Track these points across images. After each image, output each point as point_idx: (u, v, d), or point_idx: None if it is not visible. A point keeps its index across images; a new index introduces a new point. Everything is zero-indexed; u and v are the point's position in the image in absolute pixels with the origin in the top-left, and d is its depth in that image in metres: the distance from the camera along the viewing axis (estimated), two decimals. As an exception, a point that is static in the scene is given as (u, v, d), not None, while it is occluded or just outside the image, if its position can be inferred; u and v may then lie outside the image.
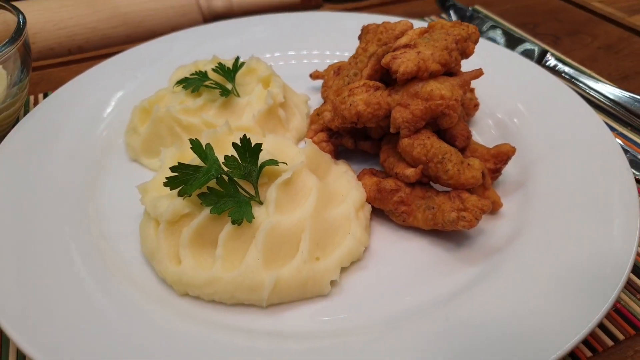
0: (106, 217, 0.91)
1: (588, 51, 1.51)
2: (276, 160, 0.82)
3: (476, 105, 1.08)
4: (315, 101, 1.19)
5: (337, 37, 1.35)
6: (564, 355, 0.74)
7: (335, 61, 1.17)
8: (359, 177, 0.93)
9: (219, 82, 1.04)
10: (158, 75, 1.20)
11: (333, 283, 0.80)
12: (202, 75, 1.04)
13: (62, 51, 1.46)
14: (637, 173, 1.03)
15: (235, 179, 0.80)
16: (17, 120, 1.08)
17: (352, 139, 1.00)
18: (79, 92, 1.15)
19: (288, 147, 0.90)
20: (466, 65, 0.97)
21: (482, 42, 1.28)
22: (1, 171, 0.93)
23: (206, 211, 0.77)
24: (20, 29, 1.04)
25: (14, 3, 1.14)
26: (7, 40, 1.00)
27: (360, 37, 1.06)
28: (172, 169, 0.78)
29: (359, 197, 0.87)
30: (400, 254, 0.86)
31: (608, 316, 0.81)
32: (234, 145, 0.81)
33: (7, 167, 0.94)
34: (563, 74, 1.31)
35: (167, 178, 0.78)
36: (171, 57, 1.26)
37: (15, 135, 1.00)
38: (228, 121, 0.92)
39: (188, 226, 0.78)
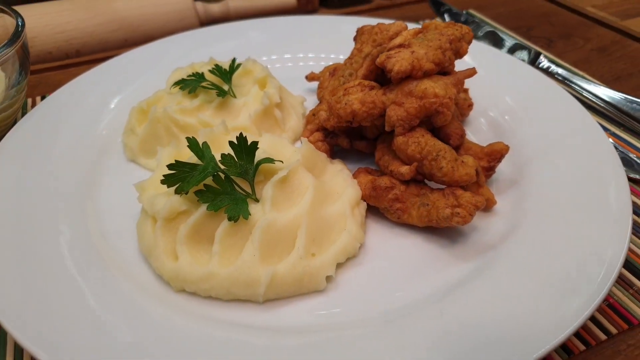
0: (104, 216, 0.92)
1: (581, 54, 1.53)
2: (272, 159, 0.83)
3: (470, 105, 1.09)
4: (311, 102, 1.20)
5: (333, 40, 1.36)
6: (556, 348, 0.76)
7: (331, 64, 1.19)
8: (355, 176, 0.94)
9: (215, 83, 1.06)
10: (155, 77, 1.21)
11: (329, 279, 0.81)
12: (198, 77, 1.05)
13: (60, 55, 1.47)
14: (628, 171, 1.04)
15: (232, 177, 0.81)
16: (15, 122, 1.09)
17: (348, 138, 1.01)
18: (76, 94, 1.16)
19: (284, 147, 0.91)
20: (460, 67, 0.98)
21: (476, 44, 1.30)
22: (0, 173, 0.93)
23: (203, 208, 0.78)
24: (18, 31, 1.05)
25: (13, 7, 1.15)
26: (5, 42, 1.02)
27: (355, 39, 1.07)
28: (169, 166, 0.79)
29: (355, 195, 0.88)
30: (395, 250, 0.87)
31: (601, 311, 0.82)
32: (231, 143, 0.82)
33: (4, 168, 0.94)
34: (556, 75, 1.33)
35: (164, 176, 0.79)
36: (168, 60, 1.27)
37: (13, 136, 1.01)
38: (225, 121, 0.93)
39: (185, 223, 0.79)
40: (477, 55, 1.18)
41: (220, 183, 0.80)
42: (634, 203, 0.97)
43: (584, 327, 0.80)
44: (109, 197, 0.96)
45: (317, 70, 1.23)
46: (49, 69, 1.43)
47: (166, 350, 0.68)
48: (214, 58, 1.15)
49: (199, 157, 0.81)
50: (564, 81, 1.32)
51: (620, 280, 0.87)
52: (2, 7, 1.13)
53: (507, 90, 1.18)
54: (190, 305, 0.77)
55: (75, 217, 0.89)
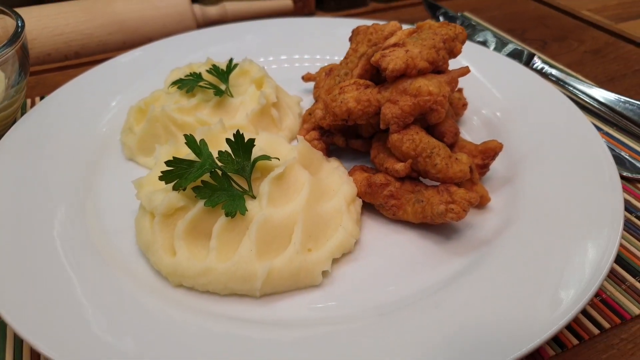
0: (102, 214, 0.93)
1: (575, 55, 1.55)
2: (269, 156, 0.84)
3: (464, 105, 1.11)
4: (308, 102, 1.22)
5: (329, 41, 1.38)
6: (550, 342, 0.77)
7: (327, 65, 1.20)
8: (350, 173, 0.95)
9: (213, 83, 1.07)
10: (153, 77, 1.23)
11: (325, 274, 0.82)
12: (196, 77, 1.07)
13: (58, 57, 1.48)
14: (620, 169, 1.05)
15: (229, 174, 0.82)
16: (14, 122, 1.10)
17: (343, 137, 1.02)
18: (75, 94, 1.17)
19: (280, 144, 0.92)
20: (454, 67, 0.99)
21: (471, 45, 1.31)
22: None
23: (200, 204, 0.79)
24: (18, 32, 1.06)
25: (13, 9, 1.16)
26: (5, 42, 1.03)
27: (351, 39, 1.09)
28: (167, 163, 0.80)
29: (350, 192, 0.89)
30: (391, 246, 0.88)
31: (594, 306, 0.83)
32: (228, 140, 0.83)
33: (4, 166, 0.95)
34: (550, 76, 1.35)
35: (162, 172, 0.80)
36: (166, 61, 1.28)
37: (12, 134, 1.02)
38: (222, 119, 0.94)
39: (183, 219, 0.80)
40: (471, 55, 1.20)
41: (217, 180, 0.81)
42: (625, 200, 0.98)
43: (577, 321, 0.80)
44: (107, 195, 0.97)
45: (314, 71, 1.24)
46: (48, 70, 1.44)
47: (164, 344, 0.69)
48: (212, 59, 1.17)
49: (197, 154, 0.82)
50: (557, 82, 1.33)
51: (613, 276, 0.88)
52: (3, 8, 1.14)
53: (501, 90, 1.20)
54: (187, 299, 0.78)
55: (73, 214, 0.90)
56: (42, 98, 1.30)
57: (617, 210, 0.85)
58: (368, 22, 1.39)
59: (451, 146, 0.94)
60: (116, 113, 1.15)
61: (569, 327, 0.80)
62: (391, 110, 0.86)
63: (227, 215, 0.78)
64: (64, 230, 0.86)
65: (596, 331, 0.80)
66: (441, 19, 1.66)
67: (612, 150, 1.10)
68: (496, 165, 0.99)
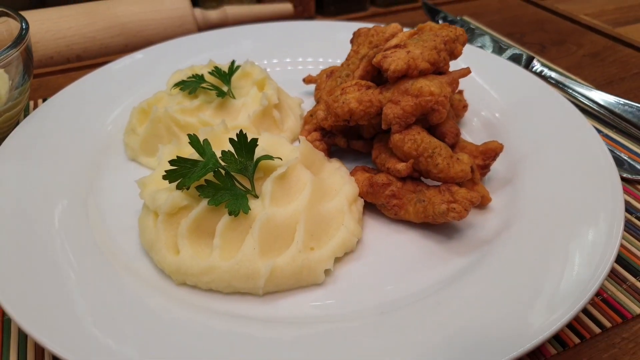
0: (105, 214, 0.93)
1: (574, 59, 1.56)
2: (271, 156, 0.85)
3: (465, 107, 1.12)
4: (309, 104, 1.22)
5: (330, 44, 1.39)
6: (552, 341, 0.77)
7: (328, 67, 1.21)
8: (352, 173, 0.96)
9: (215, 84, 1.08)
10: (155, 80, 1.24)
11: (327, 272, 0.82)
12: (198, 78, 1.07)
13: (61, 60, 1.49)
14: (619, 170, 1.06)
15: (232, 173, 0.83)
16: (17, 124, 1.10)
17: (345, 138, 1.03)
18: (78, 96, 1.18)
19: (283, 145, 0.92)
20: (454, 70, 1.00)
21: (471, 48, 1.32)
22: (3, 169, 0.95)
23: (204, 203, 0.80)
24: (22, 34, 1.07)
25: (15, 12, 1.18)
26: (9, 44, 1.03)
27: (352, 41, 1.10)
28: (171, 162, 0.81)
29: (352, 192, 0.90)
30: (393, 245, 0.88)
31: (596, 305, 0.83)
32: (231, 140, 0.84)
33: (8, 165, 0.96)
34: (549, 79, 1.36)
35: (166, 171, 0.81)
36: (168, 64, 1.29)
37: (16, 135, 1.03)
38: (224, 120, 0.95)
39: (186, 217, 0.80)
40: (472, 58, 1.20)
41: (220, 179, 0.81)
42: (625, 202, 0.98)
43: (578, 320, 0.81)
44: (110, 195, 0.98)
45: (315, 73, 1.25)
46: (50, 73, 1.45)
47: (166, 342, 0.69)
48: (214, 61, 1.18)
49: (200, 154, 0.83)
50: (557, 84, 1.34)
51: (614, 276, 0.88)
52: (7, 10, 1.15)
53: (501, 92, 1.21)
54: (190, 298, 0.78)
55: (76, 214, 0.91)
56: (44, 100, 1.31)
57: (617, 210, 0.85)
58: (369, 25, 1.41)
59: (452, 147, 0.95)
60: (119, 114, 1.16)
61: (570, 326, 0.80)
62: (393, 110, 0.87)
63: (230, 214, 0.79)
64: (68, 230, 0.86)
65: (597, 330, 0.80)
66: (441, 22, 1.67)
67: (611, 151, 1.11)
68: (497, 166, 1.00)
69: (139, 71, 1.28)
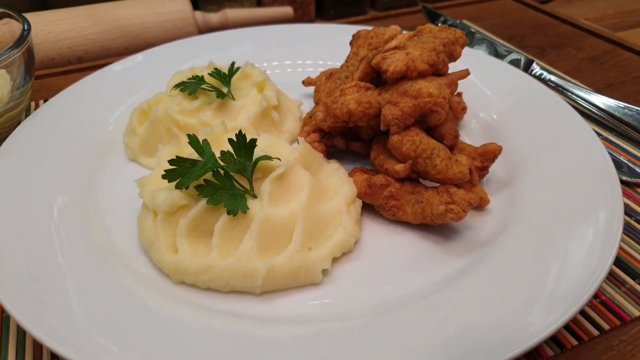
0: (105, 213, 0.94)
1: (573, 62, 1.56)
2: (270, 156, 0.85)
3: (464, 109, 1.12)
4: (308, 106, 1.23)
5: (330, 47, 1.39)
6: (549, 343, 0.77)
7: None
8: (350, 175, 0.96)
9: (215, 86, 1.08)
10: (156, 81, 1.24)
11: (325, 272, 0.82)
12: (198, 80, 1.08)
13: (62, 61, 1.50)
14: (618, 173, 1.06)
15: (231, 173, 0.83)
16: (19, 124, 1.11)
17: (344, 139, 1.03)
18: (79, 96, 1.18)
19: (281, 146, 0.93)
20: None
21: (470, 51, 1.33)
22: (3, 168, 0.96)
23: (203, 202, 0.80)
24: (24, 35, 1.08)
25: (17, 14, 1.18)
26: (11, 44, 1.04)
27: (351, 43, 1.10)
28: (171, 162, 0.81)
29: (350, 192, 0.90)
30: (390, 246, 0.89)
31: (594, 308, 0.83)
32: (230, 140, 0.84)
33: (9, 164, 0.97)
34: (549, 82, 1.36)
35: (165, 171, 0.81)
36: (169, 65, 1.30)
37: (17, 135, 1.03)
38: (224, 121, 0.95)
39: (185, 217, 0.81)
40: (471, 61, 1.20)
41: (219, 179, 0.82)
42: (624, 204, 0.98)
43: (576, 322, 0.81)
44: (110, 195, 0.98)
45: (314, 76, 1.26)
46: (52, 74, 1.46)
47: (164, 340, 0.69)
48: (214, 62, 1.18)
49: (199, 154, 0.83)
50: (556, 88, 1.34)
51: (613, 279, 0.88)
52: (9, 12, 1.16)
53: (500, 95, 1.21)
54: (188, 296, 0.79)
55: (76, 213, 0.91)
56: (45, 101, 1.31)
57: (616, 213, 0.85)
58: (368, 28, 1.42)
59: (451, 149, 0.95)
60: (119, 115, 1.16)
61: (568, 328, 0.80)
62: (391, 111, 0.87)
63: (228, 213, 0.79)
64: (67, 229, 0.87)
65: (596, 332, 0.80)
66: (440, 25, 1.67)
67: (610, 154, 1.11)
68: (495, 168, 1.00)
69: (140, 72, 1.29)
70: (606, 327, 0.80)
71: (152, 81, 1.26)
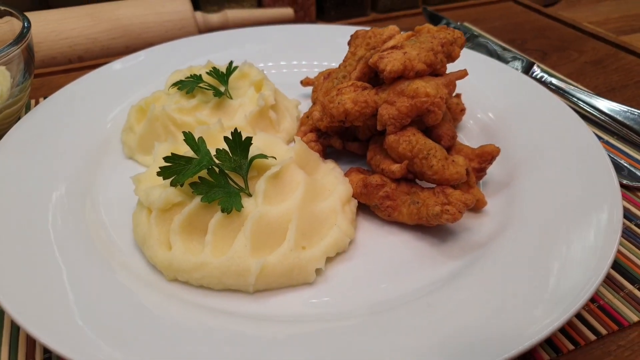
0: (101, 210, 0.94)
1: (575, 66, 1.55)
2: (265, 155, 0.85)
3: (462, 110, 1.11)
4: (306, 107, 1.22)
5: (329, 48, 1.39)
6: (545, 347, 0.76)
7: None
8: (346, 174, 0.96)
9: (212, 84, 1.08)
10: (155, 80, 1.24)
11: (318, 271, 0.82)
12: (196, 78, 1.08)
13: (63, 60, 1.51)
14: (619, 177, 1.05)
15: (226, 171, 0.83)
16: (18, 120, 1.11)
17: (341, 139, 1.03)
18: (78, 94, 1.19)
19: (277, 145, 0.93)
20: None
21: (470, 53, 1.32)
22: (1, 164, 0.96)
23: (197, 200, 0.80)
24: (24, 32, 1.09)
25: (19, 13, 1.19)
26: (11, 41, 1.05)
27: (349, 43, 1.10)
28: (166, 159, 0.81)
29: (346, 192, 0.90)
30: (385, 247, 0.88)
31: (592, 312, 0.82)
32: (225, 138, 0.84)
33: (7, 160, 0.97)
34: (550, 85, 1.35)
35: (160, 168, 0.81)
36: (169, 64, 1.30)
37: (16, 131, 1.04)
38: (221, 119, 0.95)
39: (179, 214, 0.81)
40: (470, 62, 1.20)
41: (214, 176, 0.81)
42: (624, 208, 0.97)
43: (573, 327, 0.80)
44: (107, 192, 0.98)
45: (313, 76, 1.25)
46: (53, 72, 1.47)
47: (155, 337, 0.69)
48: (212, 62, 1.18)
49: (195, 151, 0.83)
50: (557, 90, 1.33)
51: (611, 283, 0.87)
52: (10, 10, 1.16)
53: (499, 96, 1.20)
54: (181, 293, 0.78)
55: (73, 209, 0.91)
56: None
57: (615, 217, 0.84)
58: (367, 28, 1.41)
59: (448, 150, 0.95)
60: (118, 113, 1.16)
61: (565, 332, 0.79)
62: (388, 111, 0.87)
63: (223, 211, 0.79)
64: (63, 224, 0.87)
65: (593, 337, 0.79)
66: (442, 28, 1.67)
67: (611, 158, 1.10)
68: (494, 170, 0.99)
69: (139, 71, 1.29)
70: (604, 332, 0.79)
71: (151, 80, 1.26)
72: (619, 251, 0.92)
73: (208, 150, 0.83)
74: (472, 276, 0.79)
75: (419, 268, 0.84)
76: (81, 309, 0.72)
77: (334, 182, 0.91)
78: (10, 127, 1.06)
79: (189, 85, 1.07)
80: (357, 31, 1.09)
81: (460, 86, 1.10)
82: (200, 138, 0.84)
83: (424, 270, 0.83)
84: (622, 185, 1.03)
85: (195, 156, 0.83)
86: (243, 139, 0.84)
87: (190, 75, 1.09)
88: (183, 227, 0.80)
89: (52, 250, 0.81)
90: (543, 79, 1.37)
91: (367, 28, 1.41)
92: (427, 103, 0.86)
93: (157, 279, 0.81)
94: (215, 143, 0.90)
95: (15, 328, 0.79)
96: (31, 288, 0.74)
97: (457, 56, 0.96)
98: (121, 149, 1.09)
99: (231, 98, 1.09)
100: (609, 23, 2.05)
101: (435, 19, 1.70)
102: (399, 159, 0.89)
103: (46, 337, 0.66)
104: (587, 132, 1.04)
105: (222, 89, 1.09)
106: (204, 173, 0.81)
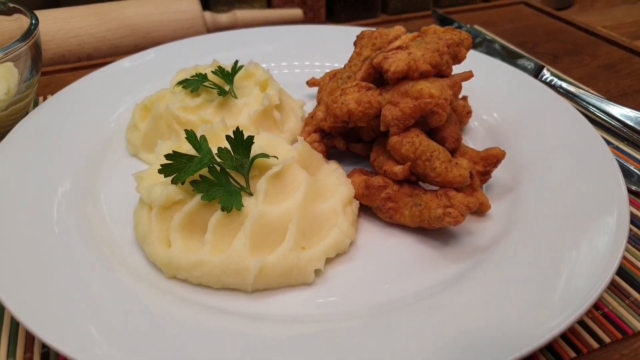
0: (103, 207, 0.94)
1: (587, 70, 1.53)
2: (267, 154, 0.85)
3: (469, 113, 1.10)
4: (312, 107, 1.21)
5: (337, 49, 1.38)
6: (546, 354, 0.75)
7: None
8: (349, 175, 0.95)
9: (217, 83, 1.08)
10: (162, 78, 1.24)
11: (318, 272, 0.81)
12: (201, 77, 1.08)
13: (72, 58, 1.52)
14: (628, 182, 1.03)
15: (227, 170, 0.83)
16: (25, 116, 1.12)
17: (344, 140, 1.02)
18: (84, 91, 1.20)
19: (280, 145, 0.92)
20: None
21: (477, 55, 1.31)
22: (7, 159, 0.97)
23: (198, 198, 0.80)
24: (31, 29, 1.10)
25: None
26: (18, 38, 1.06)
27: (355, 43, 1.09)
28: (167, 156, 0.81)
29: (347, 193, 0.89)
30: (386, 249, 0.87)
31: (595, 320, 0.80)
32: (227, 137, 0.84)
33: (12, 155, 0.98)
34: (559, 89, 1.33)
35: (161, 165, 0.81)
36: (176, 63, 1.30)
37: (22, 127, 1.05)
38: (224, 118, 0.95)
39: (179, 212, 0.81)
40: (478, 64, 1.19)
41: (215, 175, 0.81)
42: (632, 214, 0.96)
43: (576, 334, 0.78)
44: (110, 189, 0.98)
45: (320, 77, 1.25)
46: (61, 70, 1.48)
47: (154, 334, 0.69)
48: (218, 61, 1.18)
49: (196, 149, 0.83)
50: (567, 94, 1.31)
51: (617, 291, 0.85)
52: (19, 7, 1.18)
53: (507, 99, 1.19)
54: (179, 291, 0.78)
55: (76, 206, 0.91)
56: (53, 96, 1.33)
57: (622, 222, 0.83)
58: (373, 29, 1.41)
59: (453, 152, 0.93)
60: (123, 111, 1.17)
61: (567, 339, 0.77)
62: (391, 112, 0.86)
63: (223, 209, 0.78)
64: (66, 221, 0.87)
65: (596, 345, 0.77)
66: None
67: (620, 163, 1.08)
68: (499, 174, 0.98)
69: (145, 70, 1.30)
70: (607, 340, 0.78)
71: (158, 79, 1.26)
72: (625, 258, 0.90)
73: (210, 149, 0.83)
74: (474, 280, 0.78)
75: (420, 271, 0.83)
76: (81, 306, 0.72)
77: (336, 182, 0.90)
78: (17, 122, 1.07)
79: (193, 84, 1.07)
80: (363, 31, 1.08)
81: (467, 88, 1.08)
82: (202, 136, 0.84)
83: (425, 273, 0.82)
84: (631, 192, 1.02)
85: (196, 154, 0.83)
86: (245, 137, 0.84)
87: (196, 74, 1.10)
88: (183, 225, 0.80)
89: (54, 247, 0.81)
90: (553, 83, 1.35)
91: (374, 29, 1.41)
92: (431, 104, 0.85)
93: (157, 277, 0.80)
94: (218, 142, 0.89)
95: (15, 322, 0.79)
96: (31, 284, 0.74)
97: (464, 57, 0.95)
98: (125, 147, 1.10)
99: (236, 97, 1.09)
100: (623, 27, 2.03)
101: (445, 22, 1.69)
102: (401, 160, 0.88)
103: (46, 334, 0.66)
104: (594, 136, 1.03)
105: (227, 88, 1.09)
106: (205, 171, 0.81)
